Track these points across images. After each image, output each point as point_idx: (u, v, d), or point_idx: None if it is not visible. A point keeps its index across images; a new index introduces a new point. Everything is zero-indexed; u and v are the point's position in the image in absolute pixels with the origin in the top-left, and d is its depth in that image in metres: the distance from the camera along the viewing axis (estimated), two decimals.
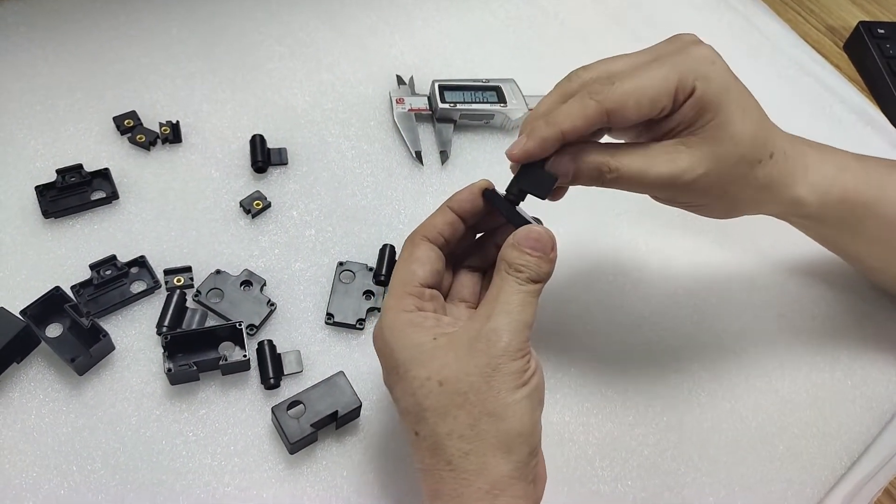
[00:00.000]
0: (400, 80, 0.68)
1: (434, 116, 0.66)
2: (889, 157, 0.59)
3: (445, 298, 0.46)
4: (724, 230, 0.63)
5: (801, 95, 0.75)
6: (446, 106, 0.64)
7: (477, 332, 0.39)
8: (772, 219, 0.63)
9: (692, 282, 0.60)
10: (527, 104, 0.66)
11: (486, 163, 0.65)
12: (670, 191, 0.45)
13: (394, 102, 0.65)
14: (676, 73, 0.42)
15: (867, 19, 0.83)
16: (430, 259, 0.43)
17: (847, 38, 0.83)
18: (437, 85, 0.65)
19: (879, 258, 0.55)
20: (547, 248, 0.41)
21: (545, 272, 0.41)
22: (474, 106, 0.65)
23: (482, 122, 0.66)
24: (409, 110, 0.65)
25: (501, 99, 0.65)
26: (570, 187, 0.47)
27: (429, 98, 0.66)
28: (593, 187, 0.45)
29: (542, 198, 0.44)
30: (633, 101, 0.41)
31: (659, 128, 0.44)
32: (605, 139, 0.47)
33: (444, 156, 0.64)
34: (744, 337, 0.57)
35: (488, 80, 0.67)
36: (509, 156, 0.43)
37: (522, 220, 0.43)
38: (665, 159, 0.43)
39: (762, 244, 0.63)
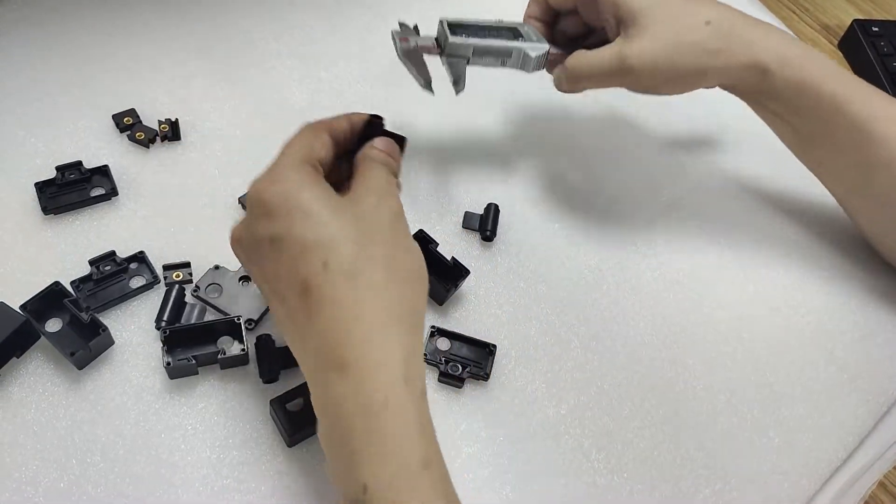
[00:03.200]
0: (403, 28, 0.59)
1: (444, 53, 0.56)
2: None
3: None
4: (719, 223, 0.63)
5: None
6: (457, 39, 0.55)
7: (366, 195, 0.42)
8: (768, 209, 0.64)
9: (686, 276, 0.60)
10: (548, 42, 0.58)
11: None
12: (631, 76, 0.52)
13: (397, 40, 0.56)
14: None
15: (862, 17, 0.84)
16: (329, 148, 0.45)
17: (842, 37, 0.84)
18: (445, 23, 0.56)
19: (852, 173, 0.56)
20: (396, 153, 0.47)
21: (398, 169, 0.47)
22: (490, 41, 0.55)
23: (497, 62, 0.57)
24: (417, 47, 0.56)
25: (516, 35, 0.57)
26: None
27: (436, 39, 0.57)
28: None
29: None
30: None
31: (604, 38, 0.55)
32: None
33: (458, 86, 0.56)
34: (739, 330, 0.58)
35: (501, 21, 0.58)
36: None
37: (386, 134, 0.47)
38: (615, 48, 0.52)
39: (757, 237, 0.63)
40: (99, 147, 0.61)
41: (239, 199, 0.59)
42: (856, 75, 0.56)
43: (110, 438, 0.48)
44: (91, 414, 0.49)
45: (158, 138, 0.62)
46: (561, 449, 0.51)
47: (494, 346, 0.54)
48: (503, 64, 0.57)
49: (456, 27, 0.56)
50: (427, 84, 0.56)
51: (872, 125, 0.53)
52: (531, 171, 0.65)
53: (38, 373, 0.50)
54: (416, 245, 0.43)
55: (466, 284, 0.57)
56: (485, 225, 0.60)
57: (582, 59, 0.54)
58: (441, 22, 0.56)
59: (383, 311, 0.39)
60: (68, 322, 0.51)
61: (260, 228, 0.41)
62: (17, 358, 0.50)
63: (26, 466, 0.46)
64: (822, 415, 0.54)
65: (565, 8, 0.58)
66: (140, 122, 0.62)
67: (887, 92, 0.76)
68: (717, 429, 0.53)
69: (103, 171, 0.59)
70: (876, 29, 0.81)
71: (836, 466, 0.53)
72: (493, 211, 0.61)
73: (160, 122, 0.62)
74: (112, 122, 0.62)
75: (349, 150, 0.47)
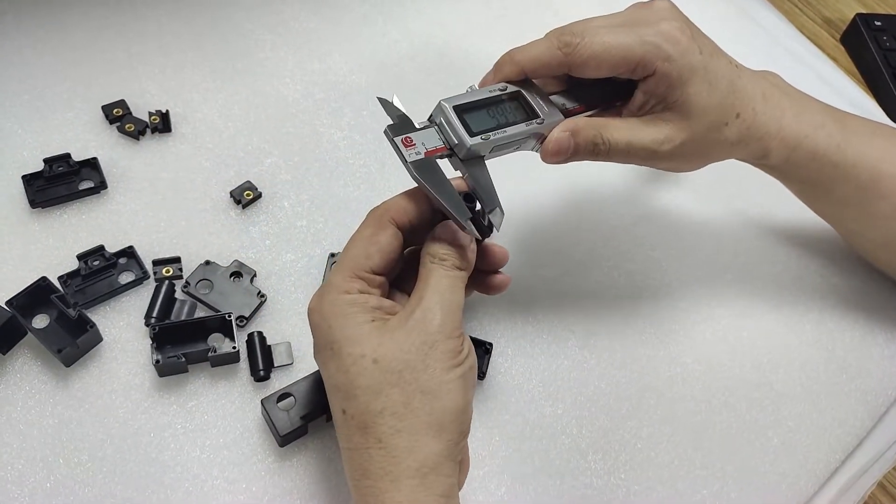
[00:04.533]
0: (385, 105, 0.45)
1: (458, 155, 0.44)
2: None
3: (392, 284, 0.45)
4: (721, 223, 0.63)
5: (798, 87, 0.75)
6: (477, 140, 0.43)
7: (411, 313, 0.40)
8: (770, 213, 0.63)
9: (686, 274, 0.59)
10: (557, 107, 0.47)
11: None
12: (653, 159, 0.48)
13: (400, 146, 0.42)
14: (641, 50, 0.45)
15: (864, 11, 0.83)
16: (391, 248, 0.42)
17: (844, 31, 0.83)
18: (451, 108, 0.44)
19: (854, 220, 0.56)
20: (467, 240, 0.43)
21: (468, 261, 0.43)
22: (509, 131, 0.45)
23: (513, 149, 0.46)
24: (427, 153, 0.43)
25: (530, 112, 0.46)
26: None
27: (437, 126, 0.44)
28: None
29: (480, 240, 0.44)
30: (595, 63, 0.45)
31: (633, 102, 0.48)
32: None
33: (494, 218, 0.44)
34: (738, 329, 0.57)
35: (505, 88, 0.47)
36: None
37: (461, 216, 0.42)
38: (647, 132, 0.47)
39: (760, 236, 0.62)
40: (88, 139, 0.60)
41: (231, 192, 0.58)
42: (870, 125, 0.54)
43: (98, 437, 0.47)
44: (79, 412, 0.48)
45: (149, 130, 0.61)
46: (557, 449, 0.50)
47: (491, 344, 0.53)
48: (517, 150, 0.47)
49: (466, 111, 0.44)
50: (467, 224, 0.42)
51: (877, 184, 0.52)
52: (529, 165, 0.64)
53: (24, 370, 0.49)
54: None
55: None
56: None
57: (621, 134, 0.46)
58: (444, 108, 0.44)
59: (386, 465, 0.38)
60: (55, 318, 0.50)
61: (317, 339, 0.42)
62: (3, 355, 0.49)
63: (12, 466, 0.46)
64: (821, 414, 0.54)
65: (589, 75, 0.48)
66: (130, 113, 0.61)
67: (889, 87, 0.75)
68: (715, 429, 0.52)
69: (92, 164, 0.57)
70: (878, 23, 0.80)
71: (835, 467, 0.52)
72: None
73: (150, 114, 0.61)
74: (101, 114, 0.61)
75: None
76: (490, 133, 0.44)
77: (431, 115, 0.45)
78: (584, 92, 0.49)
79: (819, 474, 0.52)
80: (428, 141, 0.43)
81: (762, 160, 0.52)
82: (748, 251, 0.61)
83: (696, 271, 0.60)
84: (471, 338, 0.52)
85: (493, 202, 0.43)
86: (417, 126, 0.44)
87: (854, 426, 0.54)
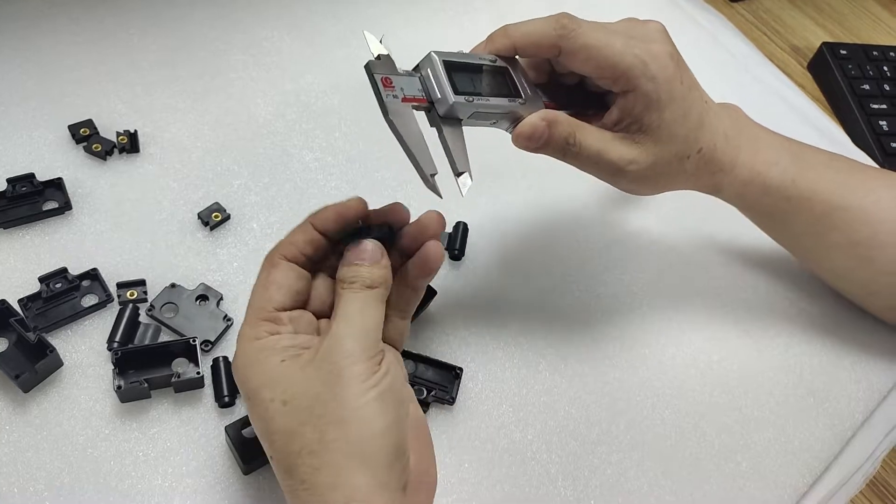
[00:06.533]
0: (370, 39, 0.43)
1: (437, 112, 0.43)
2: None
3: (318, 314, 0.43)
4: (691, 248, 0.63)
5: (766, 114, 0.75)
6: (461, 99, 0.42)
7: (321, 344, 0.39)
8: (740, 238, 0.63)
9: (656, 297, 0.60)
10: (539, 95, 0.48)
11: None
12: (616, 177, 0.49)
13: (380, 84, 0.40)
14: (630, 61, 0.45)
15: (831, 40, 0.85)
16: (289, 281, 0.41)
17: (811, 59, 0.85)
18: (441, 62, 0.42)
19: (810, 251, 0.57)
20: (376, 256, 0.41)
21: (378, 276, 0.41)
22: (493, 101, 0.44)
23: (489, 123, 0.46)
24: (403, 99, 0.41)
25: (514, 90, 0.46)
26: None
27: (421, 77, 0.43)
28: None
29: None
30: (585, 55, 0.45)
31: (609, 116, 0.48)
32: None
33: (463, 182, 0.43)
34: (708, 353, 0.57)
35: (495, 60, 0.46)
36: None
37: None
38: (618, 148, 0.47)
39: (729, 261, 0.63)
40: (53, 159, 0.59)
41: (198, 214, 0.57)
42: (826, 158, 0.55)
43: (56, 466, 0.46)
44: (36, 440, 0.46)
45: (116, 150, 0.60)
46: (527, 475, 0.50)
47: (461, 368, 0.52)
48: (493, 125, 0.47)
49: (454, 70, 0.43)
50: (432, 178, 0.41)
51: (830, 217, 0.53)
52: (501, 190, 0.64)
53: None
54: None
55: (433, 305, 0.55)
56: (453, 244, 0.59)
57: (594, 141, 0.46)
58: (433, 59, 0.42)
59: None
60: (14, 342, 0.49)
61: (241, 393, 0.42)
62: None
63: None
64: (789, 439, 0.54)
65: (572, 78, 0.50)
66: (97, 133, 0.60)
67: (854, 114, 0.77)
68: (685, 454, 0.52)
69: (57, 184, 0.56)
70: (844, 52, 0.82)
71: (804, 491, 0.52)
72: (461, 229, 0.59)
73: (118, 134, 0.60)
74: (68, 133, 0.60)
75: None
76: (474, 97, 0.43)
77: (418, 65, 0.43)
78: (561, 92, 0.49)
79: (787, 499, 0.52)
80: (408, 88, 0.41)
81: (715, 193, 0.54)
82: (718, 276, 0.62)
83: (667, 296, 0.60)
84: (441, 362, 0.52)
85: (464, 165, 0.43)
86: (400, 71, 0.42)
87: (822, 450, 0.54)
